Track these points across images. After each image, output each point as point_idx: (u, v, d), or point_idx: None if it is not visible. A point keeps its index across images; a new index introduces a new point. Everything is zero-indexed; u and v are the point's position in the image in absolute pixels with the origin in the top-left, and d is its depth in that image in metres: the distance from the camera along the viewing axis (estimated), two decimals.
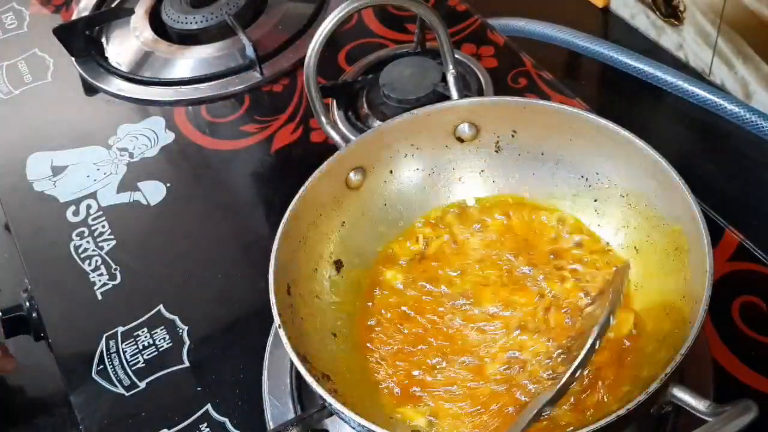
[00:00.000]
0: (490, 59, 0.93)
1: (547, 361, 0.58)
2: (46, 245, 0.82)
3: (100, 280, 0.78)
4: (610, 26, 0.98)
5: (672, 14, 0.89)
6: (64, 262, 0.80)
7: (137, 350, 0.73)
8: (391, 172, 0.69)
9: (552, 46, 0.95)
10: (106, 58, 1.05)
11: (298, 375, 0.58)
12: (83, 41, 1.04)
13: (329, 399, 0.51)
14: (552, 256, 0.65)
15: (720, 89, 0.86)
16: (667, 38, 0.92)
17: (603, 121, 0.62)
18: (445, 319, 0.63)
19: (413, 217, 0.70)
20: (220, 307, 0.75)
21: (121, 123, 0.95)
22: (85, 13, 1.11)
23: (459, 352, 0.61)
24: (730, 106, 0.83)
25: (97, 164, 0.90)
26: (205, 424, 0.67)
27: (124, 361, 0.72)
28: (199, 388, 0.70)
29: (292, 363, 0.59)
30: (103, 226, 0.83)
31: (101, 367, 0.72)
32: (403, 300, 0.65)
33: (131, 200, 0.86)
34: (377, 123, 0.86)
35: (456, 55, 0.79)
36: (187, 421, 0.67)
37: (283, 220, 0.61)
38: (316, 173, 0.64)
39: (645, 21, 0.94)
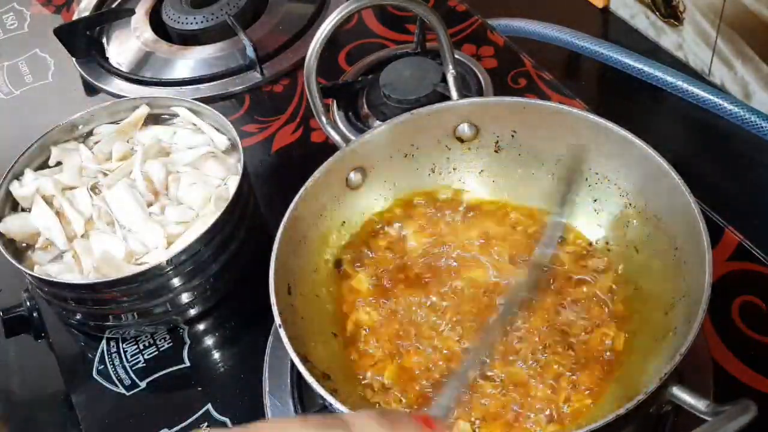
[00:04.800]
0: (490, 59, 0.93)
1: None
2: None
3: None
4: (609, 26, 0.98)
5: (671, 14, 0.89)
6: None
7: (138, 350, 0.73)
8: (391, 172, 0.69)
9: (552, 46, 0.95)
10: (107, 58, 1.05)
11: (299, 374, 0.58)
12: (84, 41, 1.04)
13: (330, 399, 0.51)
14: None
15: (719, 89, 0.86)
16: (667, 38, 0.92)
17: (603, 121, 0.63)
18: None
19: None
20: (221, 307, 0.75)
21: None
22: (86, 14, 1.11)
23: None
24: (729, 106, 0.83)
25: None
26: (206, 424, 0.67)
27: (125, 361, 0.72)
28: (199, 388, 0.70)
29: (292, 363, 0.59)
30: None
31: (102, 366, 0.72)
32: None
33: None
34: (377, 123, 0.86)
35: (456, 56, 0.79)
36: (188, 421, 0.67)
37: (284, 220, 0.61)
38: (317, 173, 0.64)
39: (645, 21, 0.94)
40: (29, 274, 0.70)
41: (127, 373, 0.72)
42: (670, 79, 0.87)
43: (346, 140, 0.69)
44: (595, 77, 0.95)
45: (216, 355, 0.73)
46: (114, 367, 0.72)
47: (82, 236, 0.73)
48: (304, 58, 0.70)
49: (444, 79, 0.76)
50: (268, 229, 0.79)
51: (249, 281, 0.75)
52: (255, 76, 0.97)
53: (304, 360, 0.54)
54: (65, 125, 0.81)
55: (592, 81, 0.96)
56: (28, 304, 0.77)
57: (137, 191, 0.74)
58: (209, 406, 0.68)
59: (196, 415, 0.67)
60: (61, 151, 0.79)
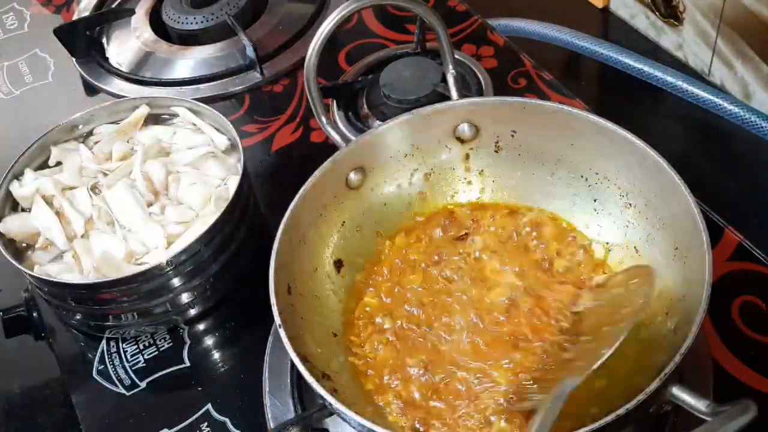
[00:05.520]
0: (490, 59, 0.93)
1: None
2: None
3: None
4: (609, 26, 0.98)
5: (671, 15, 0.89)
6: None
7: (138, 350, 0.73)
8: (391, 172, 0.69)
9: (552, 46, 0.95)
10: (107, 58, 1.05)
11: (299, 375, 0.58)
12: (84, 41, 1.04)
13: (329, 398, 0.51)
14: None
15: (719, 89, 0.86)
16: (667, 38, 0.92)
17: (603, 121, 0.62)
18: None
19: (413, 217, 0.70)
20: (221, 307, 0.75)
21: None
22: (86, 14, 1.11)
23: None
24: (729, 106, 0.83)
25: None
26: (206, 424, 0.67)
27: (125, 361, 0.72)
28: (199, 388, 0.70)
29: (292, 363, 0.59)
30: None
31: (102, 366, 0.72)
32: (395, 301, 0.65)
33: None
34: (377, 123, 0.86)
35: (456, 56, 0.79)
36: (188, 421, 0.67)
37: (284, 220, 0.61)
38: (317, 173, 0.64)
39: (645, 21, 0.94)
40: (29, 274, 0.70)
41: (127, 373, 0.72)
42: (670, 79, 0.87)
43: (346, 140, 0.69)
44: (595, 77, 0.95)
45: (216, 355, 0.73)
46: (114, 367, 0.72)
47: (82, 236, 0.73)
48: (304, 58, 0.70)
49: (444, 79, 0.76)
50: (268, 229, 0.79)
51: (249, 281, 0.75)
52: (255, 76, 0.97)
53: (304, 360, 0.54)
54: (65, 125, 0.81)
55: (592, 81, 0.96)
56: (28, 304, 0.77)
57: (137, 191, 0.74)
58: (209, 406, 0.68)
59: (196, 415, 0.67)
60: (61, 151, 0.79)
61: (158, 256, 0.70)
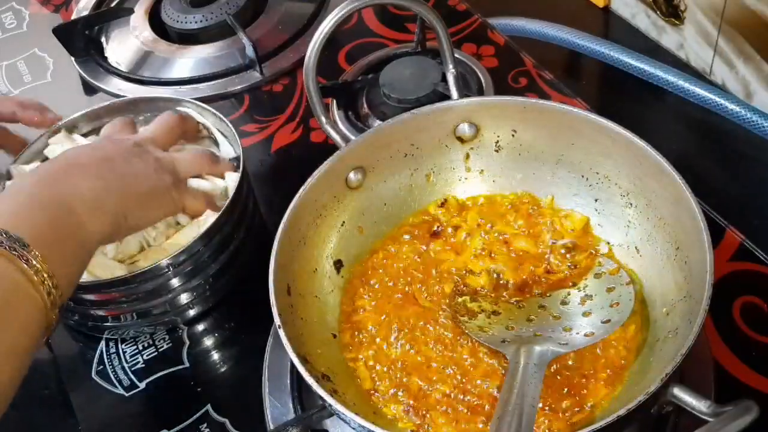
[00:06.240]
0: (491, 59, 0.93)
1: None
2: None
3: None
4: (610, 26, 0.98)
5: (673, 14, 0.89)
6: None
7: (137, 351, 0.73)
8: (391, 171, 0.69)
9: (552, 45, 0.95)
10: (106, 57, 1.05)
11: (298, 375, 0.58)
12: (83, 41, 1.04)
13: (329, 399, 0.51)
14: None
15: (721, 89, 0.86)
16: (668, 38, 0.92)
17: (603, 121, 0.62)
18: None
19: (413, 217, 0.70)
20: (220, 307, 0.75)
21: None
22: (85, 13, 1.11)
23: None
24: (730, 106, 0.83)
25: None
26: (205, 424, 0.67)
27: (124, 362, 0.72)
28: (199, 388, 0.69)
29: (292, 363, 0.59)
30: None
31: (101, 367, 0.72)
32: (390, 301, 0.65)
33: None
34: (377, 123, 0.85)
35: (456, 55, 0.79)
36: (187, 421, 0.67)
37: (283, 220, 0.61)
38: (316, 173, 0.64)
39: (646, 20, 0.94)
40: None
41: (126, 373, 0.71)
42: (671, 78, 0.87)
43: (346, 140, 0.68)
44: (595, 76, 0.95)
45: (215, 355, 0.73)
46: (113, 367, 0.72)
47: None
48: (303, 58, 0.70)
49: (444, 79, 0.76)
50: (268, 229, 0.78)
51: (249, 281, 0.75)
52: (254, 76, 0.97)
53: (304, 360, 0.53)
54: (64, 125, 0.81)
55: (593, 80, 0.95)
56: None
57: None
58: (209, 406, 0.68)
59: (196, 416, 0.67)
60: (60, 151, 0.79)
61: (156, 256, 0.70)
